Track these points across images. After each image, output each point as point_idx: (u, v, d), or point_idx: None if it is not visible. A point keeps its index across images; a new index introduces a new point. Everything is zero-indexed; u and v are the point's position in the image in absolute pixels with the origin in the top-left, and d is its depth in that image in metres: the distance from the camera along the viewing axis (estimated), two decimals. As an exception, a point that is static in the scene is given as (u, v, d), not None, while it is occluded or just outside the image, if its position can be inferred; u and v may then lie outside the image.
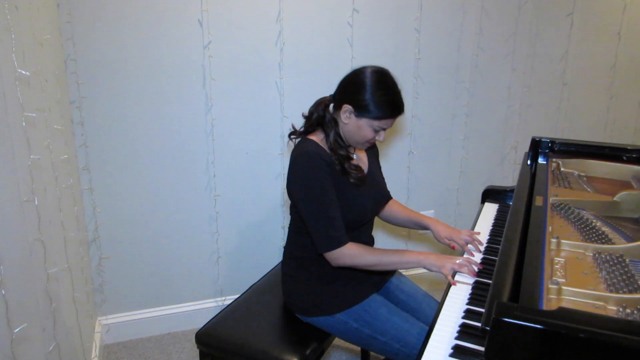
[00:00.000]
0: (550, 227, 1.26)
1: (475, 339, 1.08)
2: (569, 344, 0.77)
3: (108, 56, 1.88)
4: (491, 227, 1.71)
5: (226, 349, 1.45)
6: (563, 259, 1.12)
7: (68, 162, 1.67)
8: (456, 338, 1.09)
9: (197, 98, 2.04)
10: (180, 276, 2.22)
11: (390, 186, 1.71)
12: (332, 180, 1.37)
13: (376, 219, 1.65)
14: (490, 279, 1.31)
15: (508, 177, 2.72)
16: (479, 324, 1.12)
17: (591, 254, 1.14)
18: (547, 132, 2.67)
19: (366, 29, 2.22)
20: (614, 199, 1.45)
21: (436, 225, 1.61)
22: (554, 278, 1.02)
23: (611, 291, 0.97)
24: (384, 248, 1.46)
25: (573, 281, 1.01)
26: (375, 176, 1.58)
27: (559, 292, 0.97)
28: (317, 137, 1.44)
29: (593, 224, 1.30)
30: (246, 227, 2.26)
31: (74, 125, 1.90)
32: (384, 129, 1.40)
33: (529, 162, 1.91)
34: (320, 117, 1.44)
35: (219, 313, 1.57)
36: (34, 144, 1.17)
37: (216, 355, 1.48)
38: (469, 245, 1.53)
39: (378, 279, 1.56)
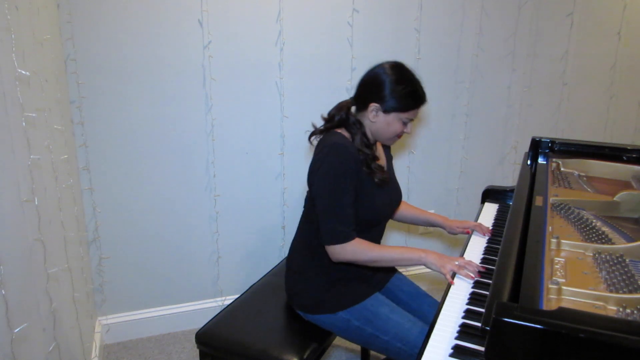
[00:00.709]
0: (550, 227, 1.26)
1: (475, 339, 1.08)
2: (569, 344, 0.77)
3: (108, 56, 1.88)
4: (491, 227, 1.71)
5: (226, 349, 1.45)
6: (563, 259, 1.12)
7: (68, 162, 1.67)
8: (456, 338, 1.09)
9: (197, 98, 2.04)
10: (180, 276, 2.22)
11: (390, 186, 1.71)
12: (356, 177, 1.39)
13: None
14: (490, 279, 1.31)
15: (508, 177, 2.72)
16: (479, 324, 1.12)
17: (591, 254, 1.14)
18: (547, 132, 2.67)
19: (366, 29, 2.22)
20: (614, 199, 1.45)
21: (446, 221, 1.72)
22: (554, 278, 1.02)
23: (611, 291, 0.97)
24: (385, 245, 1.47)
25: (573, 281, 1.01)
26: (392, 177, 1.60)
27: (559, 292, 0.97)
28: (344, 133, 1.46)
29: (593, 224, 1.30)
30: (246, 227, 2.26)
31: (74, 125, 1.90)
32: (412, 120, 1.45)
33: (529, 162, 1.91)
34: (343, 119, 1.46)
35: (219, 313, 1.57)
36: (34, 144, 1.17)
37: (216, 355, 1.48)
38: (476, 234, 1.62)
39: (380, 278, 1.56)
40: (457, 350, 1.05)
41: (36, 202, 1.13)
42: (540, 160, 1.91)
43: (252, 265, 2.30)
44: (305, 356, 1.39)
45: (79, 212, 1.86)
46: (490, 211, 1.87)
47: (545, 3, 2.50)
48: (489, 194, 1.99)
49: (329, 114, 1.50)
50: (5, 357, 0.89)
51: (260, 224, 2.29)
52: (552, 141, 1.93)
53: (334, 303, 1.45)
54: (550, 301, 0.95)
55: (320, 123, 1.52)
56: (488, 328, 0.83)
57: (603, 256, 1.13)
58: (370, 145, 1.46)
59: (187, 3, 1.93)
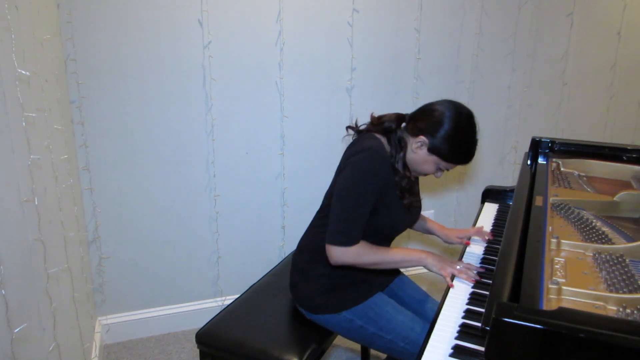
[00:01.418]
0: (550, 227, 1.26)
1: (475, 339, 1.08)
2: (569, 344, 0.77)
3: (108, 56, 1.88)
4: (491, 227, 1.71)
5: (226, 349, 1.45)
6: (563, 259, 1.12)
7: (68, 162, 1.67)
8: (456, 338, 1.09)
9: (197, 98, 2.04)
10: (180, 276, 2.22)
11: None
12: (382, 188, 1.35)
13: None
14: (490, 279, 1.31)
15: (508, 177, 2.72)
16: (479, 324, 1.12)
17: (591, 254, 1.14)
18: (547, 132, 2.67)
19: (366, 29, 2.22)
20: (614, 199, 1.45)
21: (442, 230, 1.67)
22: (554, 278, 1.02)
23: (611, 291, 0.97)
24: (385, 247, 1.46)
25: (573, 281, 1.01)
26: (415, 190, 1.52)
27: (559, 292, 0.97)
28: (383, 140, 1.41)
29: (593, 224, 1.30)
30: (246, 227, 2.26)
31: (74, 125, 1.90)
32: (447, 170, 1.41)
33: (529, 162, 1.91)
34: (390, 129, 1.42)
35: (219, 313, 1.57)
36: (34, 144, 1.17)
37: (216, 355, 1.48)
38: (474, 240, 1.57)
39: (384, 279, 1.56)
40: (457, 350, 1.05)
41: (36, 202, 1.13)
42: (540, 160, 1.91)
43: (252, 265, 2.30)
44: (305, 356, 1.39)
45: (79, 212, 1.86)
46: (490, 211, 1.87)
47: (545, 3, 2.50)
48: (489, 194, 1.99)
49: (381, 116, 1.45)
50: (5, 357, 0.89)
51: (260, 224, 2.29)
52: (552, 141, 1.93)
53: (337, 303, 1.44)
54: (550, 301, 0.95)
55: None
56: (488, 328, 0.83)
57: (603, 256, 1.13)
58: (407, 171, 1.41)
59: (187, 3, 1.93)
